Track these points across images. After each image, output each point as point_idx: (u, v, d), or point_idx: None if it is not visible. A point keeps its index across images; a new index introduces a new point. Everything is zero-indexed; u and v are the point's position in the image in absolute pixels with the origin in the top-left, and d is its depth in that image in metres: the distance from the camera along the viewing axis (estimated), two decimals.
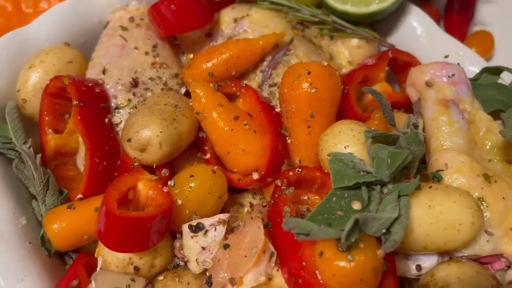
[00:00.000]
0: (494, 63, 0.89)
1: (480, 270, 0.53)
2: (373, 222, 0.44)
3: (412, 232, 0.49)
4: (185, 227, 0.53)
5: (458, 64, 0.64)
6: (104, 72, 0.64)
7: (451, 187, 0.52)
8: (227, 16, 0.70)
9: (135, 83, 0.63)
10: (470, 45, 0.88)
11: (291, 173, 0.54)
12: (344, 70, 0.71)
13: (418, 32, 0.71)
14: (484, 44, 0.88)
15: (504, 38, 0.89)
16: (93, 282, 0.48)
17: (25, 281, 0.53)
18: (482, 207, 0.54)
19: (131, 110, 0.62)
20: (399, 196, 0.49)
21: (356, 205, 0.46)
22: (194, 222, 0.53)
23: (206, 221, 0.54)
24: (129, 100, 0.63)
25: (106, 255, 0.51)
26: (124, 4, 0.70)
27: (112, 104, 0.63)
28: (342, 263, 0.44)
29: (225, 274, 0.49)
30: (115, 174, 0.60)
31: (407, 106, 0.67)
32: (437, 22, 0.91)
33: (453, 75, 0.62)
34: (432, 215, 0.49)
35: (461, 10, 0.91)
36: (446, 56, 0.68)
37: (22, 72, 0.66)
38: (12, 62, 0.66)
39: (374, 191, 0.48)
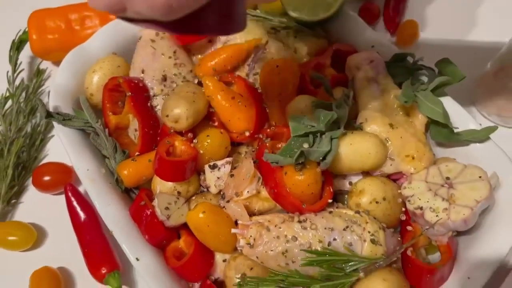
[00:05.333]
0: (419, 45, 1.18)
1: (385, 180, 0.82)
2: (314, 153, 0.74)
3: (341, 160, 0.77)
4: (206, 166, 0.81)
5: (377, 52, 0.95)
6: (143, 72, 0.91)
7: (365, 132, 0.81)
8: None
9: (164, 78, 0.91)
10: (402, 32, 1.17)
11: (268, 130, 0.82)
12: (305, 59, 0.97)
13: (356, 30, 0.97)
14: (412, 30, 1.16)
15: (427, 25, 1.19)
16: (156, 199, 0.78)
17: (111, 205, 0.80)
18: (387, 144, 0.82)
19: (164, 96, 0.89)
20: (332, 139, 0.79)
21: (305, 145, 0.76)
22: (211, 163, 0.80)
23: (219, 162, 0.80)
24: (162, 90, 0.90)
25: (160, 185, 0.81)
26: None
27: (151, 93, 0.90)
28: (297, 177, 0.73)
29: (232, 191, 0.78)
30: (158, 138, 0.88)
31: (347, 82, 0.97)
32: (378, 15, 1.21)
33: (373, 61, 0.91)
34: (352, 149, 0.77)
35: (395, 5, 1.19)
36: (373, 46, 0.97)
37: (88, 75, 0.92)
38: (79, 69, 0.93)
39: (317, 137, 0.77)
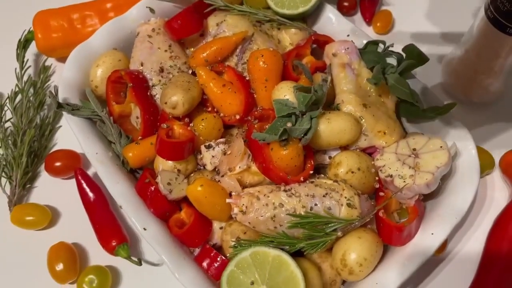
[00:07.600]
0: (393, 32, 1.29)
1: (360, 153, 0.92)
2: (296, 131, 0.85)
3: (320, 136, 0.87)
4: (202, 147, 0.90)
5: (352, 41, 1.05)
6: (142, 65, 1.00)
7: (341, 112, 0.92)
8: (212, 21, 1.05)
9: (161, 70, 1.00)
10: (377, 21, 1.28)
11: (256, 113, 0.91)
12: (288, 49, 1.09)
13: (332, 21, 1.09)
14: (386, 20, 1.26)
15: (401, 14, 1.29)
16: (159, 176, 0.88)
17: (119, 183, 0.89)
18: (361, 122, 0.93)
19: (162, 86, 0.98)
20: (311, 118, 0.90)
21: (289, 124, 0.86)
22: (207, 144, 0.90)
23: (214, 143, 0.89)
24: (159, 80, 0.99)
25: (161, 164, 0.90)
26: (146, 20, 1.05)
27: (150, 84, 0.99)
28: (282, 152, 0.83)
29: (226, 167, 0.88)
30: (158, 123, 0.98)
31: (325, 68, 1.07)
32: (355, 6, 1.31)
33: (348, 48, 1.01)
34: (330, 127, 0.86)
35: None
36: (348, 35, 1.08)
37: (92, 69, 1.01)
38: (84, 64, 1.02)
39: (298, 117, 0.87)
